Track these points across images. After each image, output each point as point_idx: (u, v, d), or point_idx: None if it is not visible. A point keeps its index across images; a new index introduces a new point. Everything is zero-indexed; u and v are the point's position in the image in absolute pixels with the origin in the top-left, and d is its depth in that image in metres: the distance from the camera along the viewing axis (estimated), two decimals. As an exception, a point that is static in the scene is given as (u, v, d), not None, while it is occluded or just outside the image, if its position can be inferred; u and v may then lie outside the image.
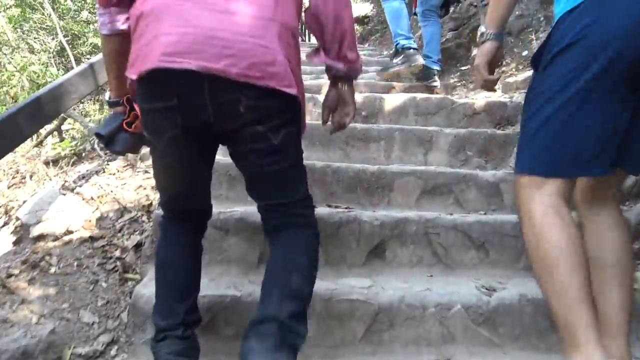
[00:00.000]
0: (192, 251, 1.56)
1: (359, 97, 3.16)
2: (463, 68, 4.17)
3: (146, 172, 2.74)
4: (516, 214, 2.03)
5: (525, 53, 3.78)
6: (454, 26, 4.63)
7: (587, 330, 1.17)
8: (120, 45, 1.49)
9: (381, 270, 2.00)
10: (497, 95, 3.43)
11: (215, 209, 1.93)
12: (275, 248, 1.45)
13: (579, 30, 1.17)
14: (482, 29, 1.51)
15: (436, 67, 3.82)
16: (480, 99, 3.40)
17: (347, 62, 1.45)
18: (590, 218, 1.44)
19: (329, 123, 1.60)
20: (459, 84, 3.95)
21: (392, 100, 3.09)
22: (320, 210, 2.10)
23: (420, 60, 3.76)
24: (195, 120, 1.28)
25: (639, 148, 1.28)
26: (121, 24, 1.46)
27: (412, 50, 3.76)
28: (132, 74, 1.28)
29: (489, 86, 1.54)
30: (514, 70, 3.66)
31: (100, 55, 2.23)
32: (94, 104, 5.98)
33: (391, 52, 4.05)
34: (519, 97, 3.16)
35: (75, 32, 9.93)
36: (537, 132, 1.26)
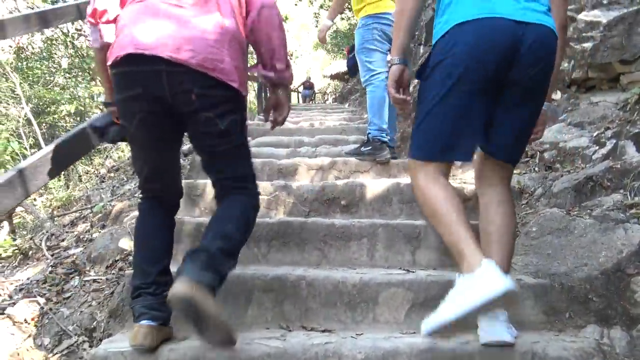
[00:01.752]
0: (165, 224, 1.86)
1: (339, 183, 2.87)
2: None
3: (95, 281, 2.38)
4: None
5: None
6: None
7: (469, 244, 1.54)
8: (104, 56, 1.75)
9: (368, 418, 1.64)
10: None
11: None
12: (218, 207, 1.80)
13: (446, 52, 1.61)
14: (388, 57, 1.83)
15: (384, 138, 3.57)
16: (470, 179, 3.13)
17: (276, 72, 1.86)
18: (482, 195, 1.83)
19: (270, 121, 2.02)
20: (445, 159, 3.69)
21: (374, 188, 2.80)
22: (293, 339, 1.77)
23: (387, 155, 3.53)
24: (157, 105, 1.62)
25: (499, 138, 1.72)
26: (108, 37, 1.74)
27: (381, 143, 3.56)
28: (110, 60, 1.62)
29: (403, 106, 1.79)
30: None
31: (32, 159, 1.92)
32: (58, 179, 5.65)
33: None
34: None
35: (48, 100, 9.73)
36: (418, 126, 1.72)
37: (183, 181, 2.90)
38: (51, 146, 2.04)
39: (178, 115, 1.65)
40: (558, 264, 2.10)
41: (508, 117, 1.68)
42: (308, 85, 21.58)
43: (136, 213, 2.77)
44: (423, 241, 2.41)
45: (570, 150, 2.86)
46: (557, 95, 3.45)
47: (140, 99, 1.60)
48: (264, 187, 2.82)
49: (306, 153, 4.45)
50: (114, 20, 1.73)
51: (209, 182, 2.86)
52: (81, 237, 2.92)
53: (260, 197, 2.79)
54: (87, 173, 6.46)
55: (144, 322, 1.67)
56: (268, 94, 2.01)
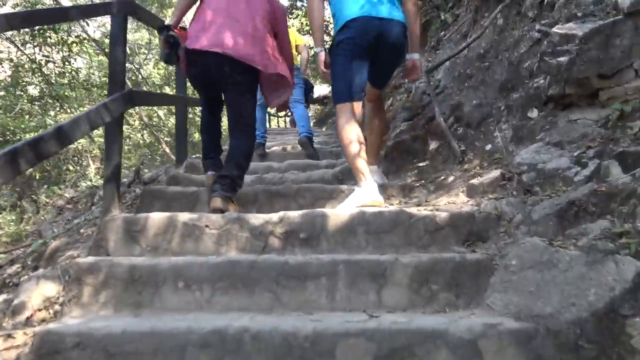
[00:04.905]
0: (215, 120, 3.48)
1: (297, 214, 2.59)
2: (421, 164, 3.68)
3: (10, 336, 2.04)
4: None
5: (488, 147, 3.32)
6: (407, 116, 4.21)
7: (363, 170, 2.88)
8: (188, 3, 3.27)
9: None
10: (462, 200, 2.91)
11: None
12: (231, 140, 3.19)
13: (343, 37, 2.99)
14: (315, 49, 3.16)
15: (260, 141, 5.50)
16: (443, 206, 2.87)
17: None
18: (368, 114, 3.45)
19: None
20: (417, 183, 3.43)
21: (337, 218, 2.52)
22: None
23: (260, 151, 5.61)
24: (207, 69, 3.10)
25: (374, 77, 3.20)
26: None
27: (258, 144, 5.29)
28: (188, 44, 3.07)
29: (326, 77, 3.17)
30: (477, 168, 3.18)
31: None
32: (9, 213, 5.27)
33: None
34: (488, 205, 2.64)
35: (12, 128, 9.39)
36: (333, 84, 3.10)
37: (122, 215, 2.59)
38: None
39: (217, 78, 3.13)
40: (542, 303, 1.83)
41: (379, 66, 3.11)
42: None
43: (72, 252, 2.49)
44: (390, 278, 2.13)
45: (550, 172, 2.62)
46: (533, 113, 3.24)
47: (201, 71, 3.15)
48: (214, 220, 2.52)
49: (272, 179, 4.17)
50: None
51: (150, 215, 2.56)
52: (7, 281, 2.59)
53: (209, 231, 2.51)
54: (46, 205, 6.08)
55: (210, 172, 3.28)
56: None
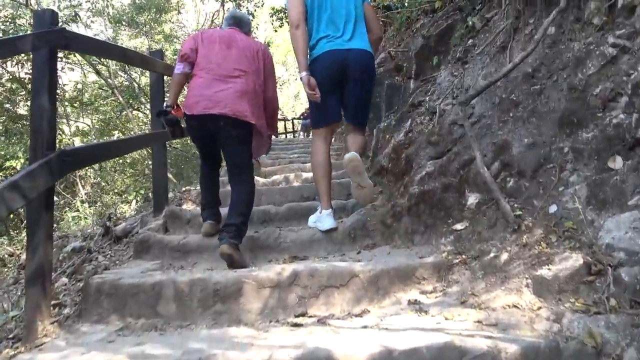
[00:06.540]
0: (213, 174, 3.69)
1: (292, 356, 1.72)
2: (458, 227, 2.77)
3: None
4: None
5: (553, 209, 2.43)
6: (434, 154, 3.31)
7: (325, 196, 3.43)
8: (182, 79, 3.45)
9: None
10: (528, 302, 2.02)
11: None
12: (233, 191, 3.34)
13: (316, 68, 3.36)
14: (302, 74, 3.32)
15: None
16: (501, 310, 2.00)
17: (273, 131, 3.76)
18: (347, 140, 3.61)
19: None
20: (457, 259, 2.54)
21: (348, 353, 1.66)
22: None
23: None
24: (206, 131, 3.32)
25: (348, 110, 3.51)
26: (186, 70, 3.40)
27: None
28: (187, 111, 3.29)
29: (315, 99, 3.31)
30: (542, 244, 2.28)
31: None
32: None
33: None
34: (576, 324, 1.76)
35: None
36: (312, 110, 3.55)
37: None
38: None
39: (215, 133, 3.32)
40: None
41: (350, 99, 3.45)
42: (307, 116, 23.87)
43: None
44: None
45: (670, 274, 1.74)
46: (615, 163, 2.34)
47: (198, 128, 3.37)
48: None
49: (266, 241, 3.33)
50: (190, 63, 3.39)
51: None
52: None
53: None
54: (11, 256, 5.28)
55: (208, 221, 3.49)
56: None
